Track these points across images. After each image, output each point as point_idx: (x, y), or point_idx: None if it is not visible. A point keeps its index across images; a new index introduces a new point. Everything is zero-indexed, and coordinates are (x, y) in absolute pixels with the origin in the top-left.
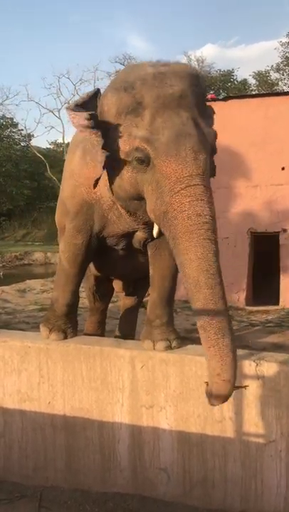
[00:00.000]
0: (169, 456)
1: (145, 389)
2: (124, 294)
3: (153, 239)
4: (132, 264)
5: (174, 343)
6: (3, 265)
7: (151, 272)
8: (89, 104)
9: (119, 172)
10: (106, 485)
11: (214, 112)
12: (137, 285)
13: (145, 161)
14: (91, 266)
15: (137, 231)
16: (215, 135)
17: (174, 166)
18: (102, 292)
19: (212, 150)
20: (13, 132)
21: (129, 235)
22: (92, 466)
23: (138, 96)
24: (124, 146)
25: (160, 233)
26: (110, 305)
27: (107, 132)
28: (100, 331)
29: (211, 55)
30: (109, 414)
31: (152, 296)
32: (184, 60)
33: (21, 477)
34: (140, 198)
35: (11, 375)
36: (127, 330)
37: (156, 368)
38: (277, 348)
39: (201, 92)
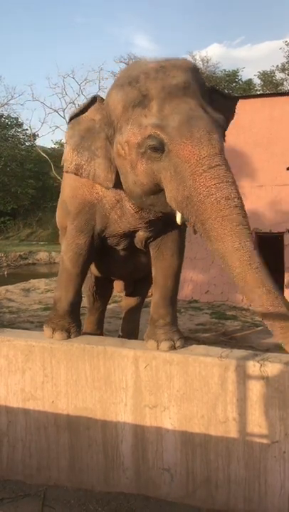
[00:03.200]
0: (173, 456)
1: (149, 389)
2: (124, 294)
3: (155, 238)
4: (134, 264)
5: (177, 343)
6: (7, 264)
7: (153, 271)
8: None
9: (132, 169)
10: (109, 484)
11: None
12: (138, 285)
13: (160, 148)
14: (92, 266)
15: (138, 231)
16: (224, 120)
17: (190, 147)
18: (102, 293)
19: (223, 134)
20: (18, 132)
21: (130, 235)
22: (96, 466)
23: (143, 89)
24: (135, 137)
25: (183, 220)
26: (114, 305)
27: (113, 133)
28: (100, 330)
29: (217, 54)
30: (113, 413)
31: (155, 296)
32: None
33: (25, 476)
34: (158, 190)
35: (15, 374)
36: (130, 330)
37: (160, 367)
38: (281, 348)
39: (202, 83)
